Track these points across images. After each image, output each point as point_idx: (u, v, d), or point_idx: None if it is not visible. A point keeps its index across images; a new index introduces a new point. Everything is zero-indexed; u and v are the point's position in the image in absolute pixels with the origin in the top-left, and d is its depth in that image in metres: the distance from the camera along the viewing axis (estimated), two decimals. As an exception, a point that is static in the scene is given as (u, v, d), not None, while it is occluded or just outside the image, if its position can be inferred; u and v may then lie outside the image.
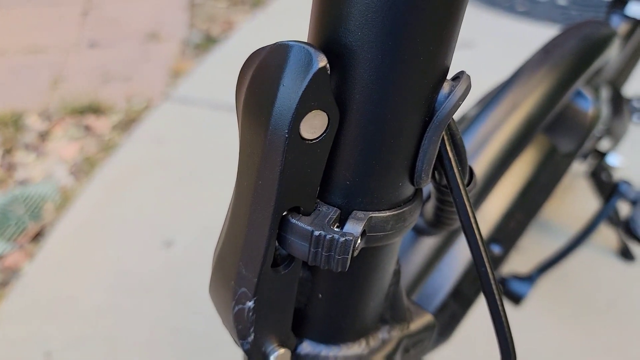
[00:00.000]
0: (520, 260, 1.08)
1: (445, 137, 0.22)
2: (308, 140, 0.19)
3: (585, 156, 1.03)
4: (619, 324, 1.03)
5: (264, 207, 0.20)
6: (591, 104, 0.50)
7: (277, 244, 0.21)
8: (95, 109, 1.59)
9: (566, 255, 0.71)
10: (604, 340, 1.01)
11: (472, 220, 0.22)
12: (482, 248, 0.22)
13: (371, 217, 0.21)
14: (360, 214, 0.21)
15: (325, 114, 0.19)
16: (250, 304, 0.22)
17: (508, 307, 0.85)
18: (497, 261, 0.49)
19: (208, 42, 1.94)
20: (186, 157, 1.39)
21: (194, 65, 1.79)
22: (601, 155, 1.01)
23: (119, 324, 1.03)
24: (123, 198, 1.28)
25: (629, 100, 0.96)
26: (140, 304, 1.06)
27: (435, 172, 0.24)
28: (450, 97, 0.19)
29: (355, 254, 0.21)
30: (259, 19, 2.06)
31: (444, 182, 0.23)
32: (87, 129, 1.54)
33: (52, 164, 1.42)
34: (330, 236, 0.20)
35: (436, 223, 0.31)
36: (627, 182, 0.76)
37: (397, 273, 0.26)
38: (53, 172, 1.39)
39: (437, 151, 0.21)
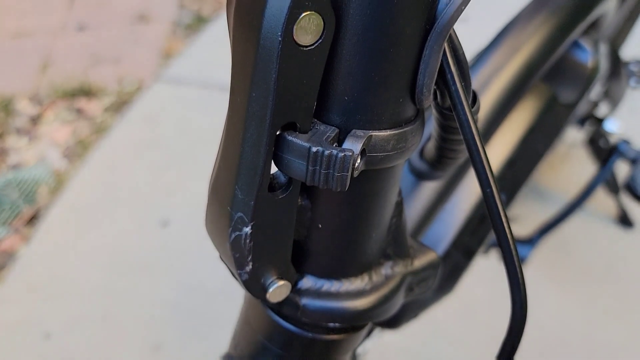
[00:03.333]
0: (519, 229, 1.08)
1: (447, 50, 0.21)
2: (303, 46, 0.18)
3: (582, 123, 1.02)
4: (617, 289, 1.03)
5: (258, 122, 0.19)
6: (590, 55, 0.49)
7: (273, 170, 0.21)
8: (86, 92, 1.57)
9: (567, 217, 0.71)
10: (602, 306, 1.01)
11: (477, 138, 0.21)
12: (487, 166, 0.21)
13: (371, 135, 0.20)
14: (359, 132, 0.20)
15: (320, 17, 0.18)
16: (247, 229, 0.21)
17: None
18: None
19: (199, 22, 1.91)
20: (179, 136, 1.38)
21: (185, 45, 1.77)
22: (599, 121, 1.00)
23: (117, 303, 1.03)
24: (118, 179, 1.27)
25: (626, 63, 0.95)
26: (138, 283, 1.05)
27: (438, 93, 0.23)
28: (451, 2, 0.18)
29: (356, 174, 0.20)
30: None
31: (447, 104, 0.22)
32: (79, 111, 1.52)
33: (45, 147, 1.40)
34: (329, 152, 0.19)
35: (439, 159, 0.30)
36: (626, 141, 0.75)
37: (399, 205, 0.25)
38: (46, 156, 1.37)
39: (439, 63, 0.20)
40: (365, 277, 0.25)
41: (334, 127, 0.20)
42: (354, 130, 0.20)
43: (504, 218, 0.22)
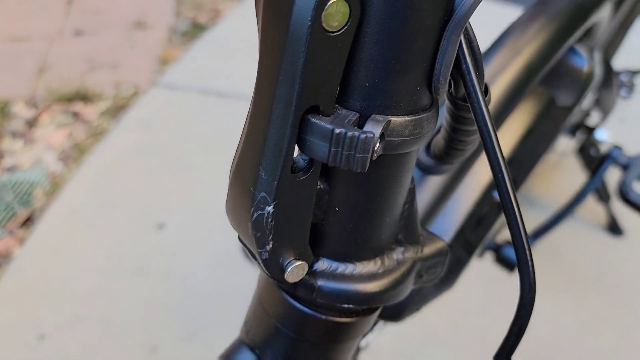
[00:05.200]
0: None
1: (463, 41, 0.22)
2: (330, 32, 0.19)
3: (574, 132, 1.05)
4: (607, 295, 1.05)
5: (284, 105, 0.20)
6: (586, 61, 0.51)
7: (296, 151, 0.22)
8: (82, 96, 1.57)
9: (560, 221, 0.72)
10: (593, 311, 1.03)
11: (490, 124, 0.22)
12: (498, 151, 0.23)
13: (390, 120, 0.21)
14: (379, 117, 0.21)
15: (347, 4, 0.19)
16: (269, 208, 0.22)
17: (503, 275, 0.86)
18: (499, 207, 0.49)
19: (195, 29, 1.93)
20: (175, 142, 1.39)
21: (181, 52, 1.78)
22: (589, 130, 1.02)
23: (112, 305, 1.03)
24: (114, 182, 1.27)
25: (617, 73, 0.97)
26: (133, 285, 1.05)
27: (452, 83, 0.24)
28: None
29: (374, 157, 0.21)
30: (246, 6, 2.05)
31: (460, 94, 0.24)
32: (75, 115, 1.52)
33: (41, 150, 1.40)
34: (351, 133, 0.20)
35: (447, 150, 0.31)
36: (618, 147, 0.77)
37: (411, 192, 0.27)
38: (42, 159, 1.37)
39: (455, 53, 0.21)
40: (378, 261, 0.26)
41: (354, 112, 0.22)
42: (373, 115, 0.21)
43: (515, 203, 0.23)
